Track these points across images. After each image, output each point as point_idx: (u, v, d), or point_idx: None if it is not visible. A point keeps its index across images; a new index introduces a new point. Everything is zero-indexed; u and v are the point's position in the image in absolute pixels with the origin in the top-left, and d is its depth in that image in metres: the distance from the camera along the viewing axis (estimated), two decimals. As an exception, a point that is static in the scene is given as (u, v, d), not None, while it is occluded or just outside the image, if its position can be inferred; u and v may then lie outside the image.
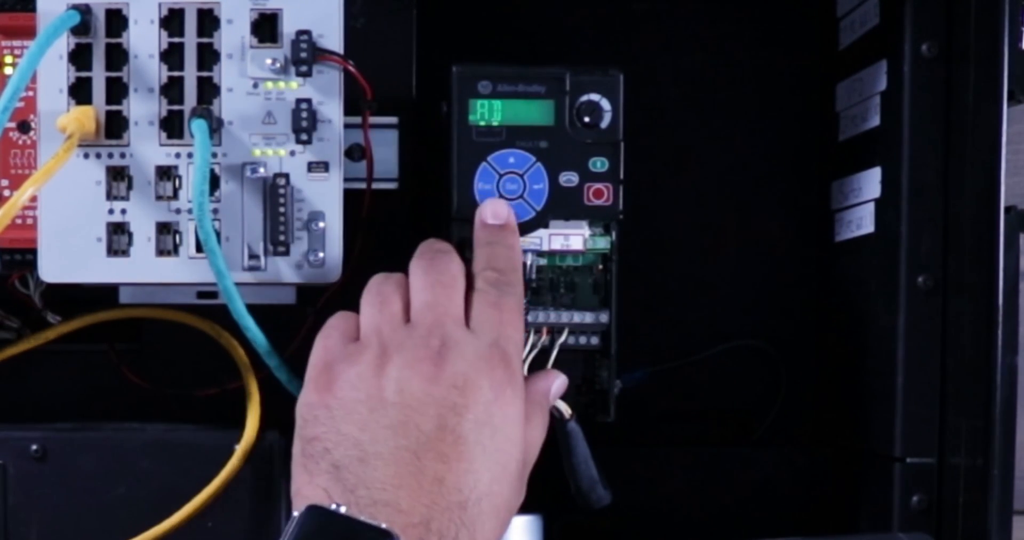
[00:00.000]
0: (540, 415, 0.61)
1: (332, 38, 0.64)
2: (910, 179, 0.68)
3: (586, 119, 0.66)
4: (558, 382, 0.63)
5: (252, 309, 0.63)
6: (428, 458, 0.55)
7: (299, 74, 0.64)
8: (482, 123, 0.66)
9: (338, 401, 0.57)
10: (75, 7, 0.63)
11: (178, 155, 0.64)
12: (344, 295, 0.67)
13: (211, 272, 0.62)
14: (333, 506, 0.54)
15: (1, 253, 0.67)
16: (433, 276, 0.61)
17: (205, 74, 0.64)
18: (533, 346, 0.66)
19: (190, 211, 0.63)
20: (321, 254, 0.64)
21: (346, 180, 0.65)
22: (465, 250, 0.66)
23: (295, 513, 0.55)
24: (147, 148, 0.64)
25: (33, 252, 0.64)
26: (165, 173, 0.64)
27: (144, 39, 0.64)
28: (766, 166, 0.80)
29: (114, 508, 0.68)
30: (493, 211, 0.64)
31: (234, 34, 0.64)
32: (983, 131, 0.65)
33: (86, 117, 0.63)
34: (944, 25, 0.68)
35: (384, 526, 0.53)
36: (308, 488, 0.56)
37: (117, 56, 0.64)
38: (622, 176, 0.66)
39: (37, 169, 0.61)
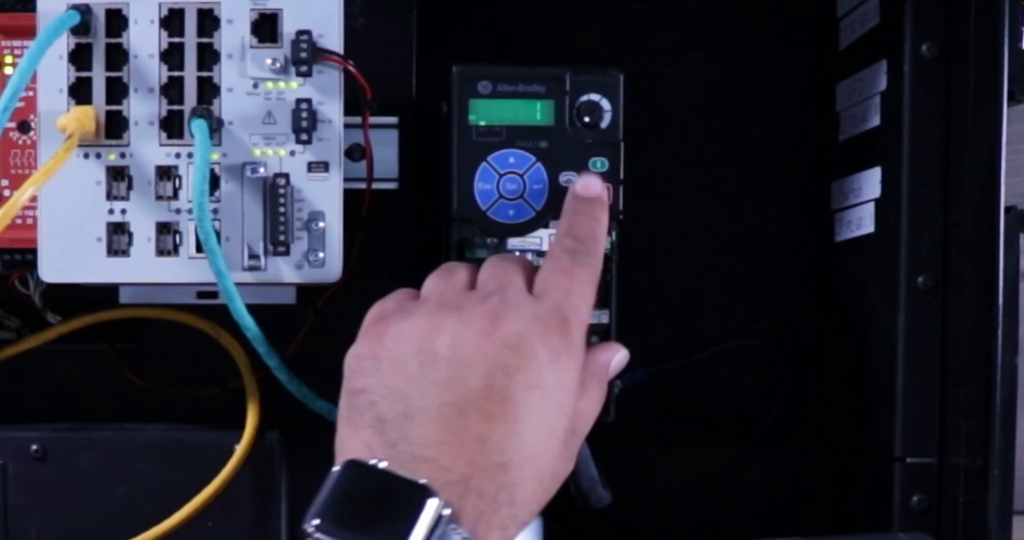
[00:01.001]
0: (596, 387, 0.60)
1: (332, 38, 0.64)
2: (910, 179, 0.68)
3: (586, 119, 0.66)
4: (619, 356, 0.62)
5: (252, 309, 0.63)
6: (473, 416, 0.54)
7: (299, 74, 0.64)
8: (482, 123, 0.66)
9: (387, 352, 0.56)
10: (75, 7, 0.63)
11: (178, 155, 0.64)
12: (344, 295, 0.67)
13: (211, 272, 0.62)
14: (373, 461, 0.53)
15: (1, 253, 0.67)
16: (501, 260, 0.61)
17: (205, 74, 0.64)
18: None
19: (190, 211, 0.63)
20: (321, 254, 0.64)
21: (346, 180, 0.65)
22: (465, 250, 0.66)
23: (335, 468, 0.54)
24: (147, 148, 0.64)
25: (33, 252, 0.64)
26: (165, 173, 0.64)
27: (144, 39, 0.64)
28: (766, 166, 0.80)
29: (114, 508, 0.68)
30: (585, 184, 0.63)
31: (234, 34, 0.64)
32: (983, 131, 0.65)
33: (86, 117, 0.63)
34: (944, 25, 0.68)
35: (422, 481, 0.52)
36: (351, 441, 0.55)
37: (117, 56, 0.64)
38: (622, 176, 0.66)
39: (37, 169, 0.61)
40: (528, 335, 0.56)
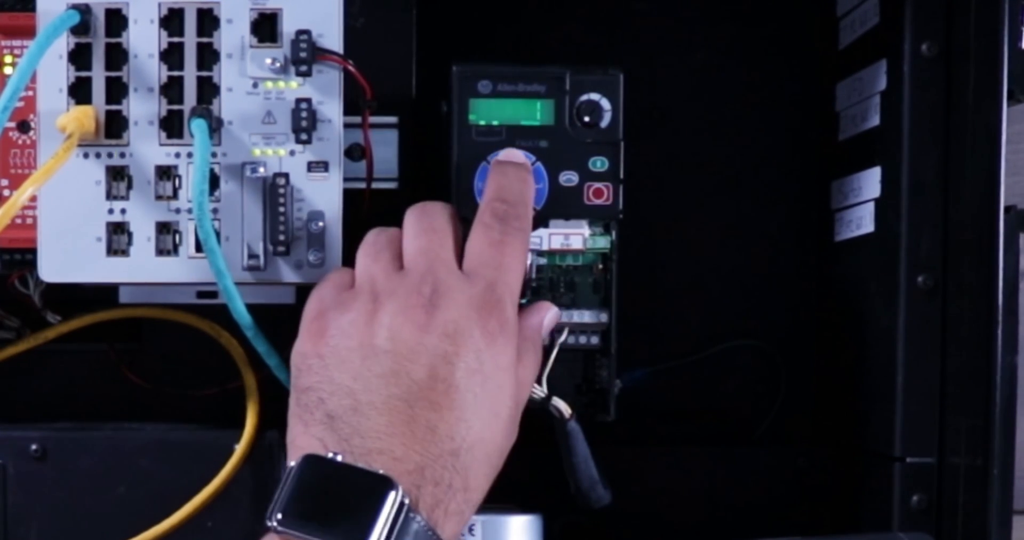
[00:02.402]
0: (532, 352, 0.61)
1: (332, 38, 0.64)
2: (910, 179, 0.68)
3: (586, 119, 0.66)
4: (550, 314, 0.63)
5: (252, 309, 0.63)
6: (420, 407, 0.55)
7: (299, 74, 0.64)
8: (482, 123, 0.66)
9: (330, 349, 0.57)
10: (75, 7, 0.63)
11: (178, 155, 0.64)
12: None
13: (211, 272, 0.62)
14: (330, 455, 0.54)
15: (1, 253, 0.67)
16: (425, 222, 0.61)
17: (205, 74, 0.64)
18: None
19: (190, 211, 0.63)
20: (321, 254, 0.64)
21: (346, 180, 0.65)
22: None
23: (291, 463, 0.55)
24: (147, 148, 0.64)
25: (33, 252, 0.64)
26: (165, 173, 0.64)
27: (144, 39, 0.64)
28: (766, 166, 0.80)
29: (114, 508, 0.68)
30: (508, 153, 0.65)
31: (234, 34, 0.64)
32: (983, 131, 0.65)
33: (86, 117, 0.63)
34: (944, 25, 0.68)
35: (382, 472, 0.53)
36: (303, 438, 0.56)
37: (117, 56, 0.64)
38: (622, 176, 0.66)
39: (37, 169, 0.61)
40: (464, 322, 0.57)
